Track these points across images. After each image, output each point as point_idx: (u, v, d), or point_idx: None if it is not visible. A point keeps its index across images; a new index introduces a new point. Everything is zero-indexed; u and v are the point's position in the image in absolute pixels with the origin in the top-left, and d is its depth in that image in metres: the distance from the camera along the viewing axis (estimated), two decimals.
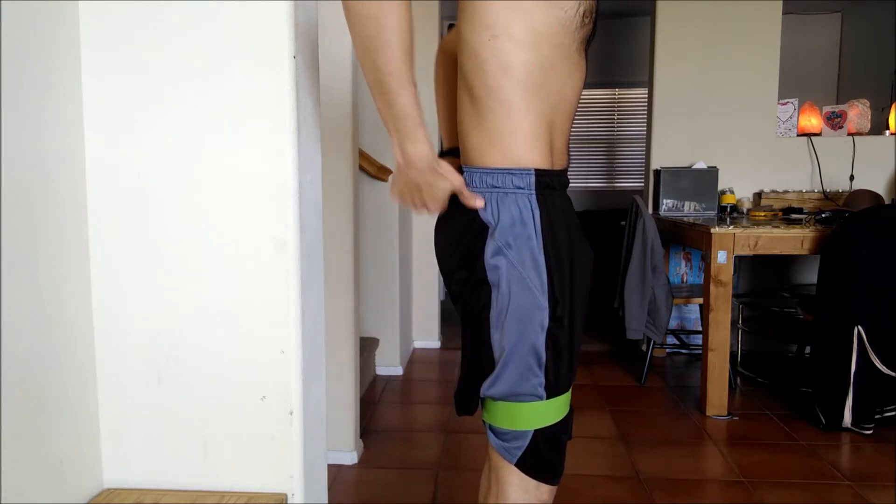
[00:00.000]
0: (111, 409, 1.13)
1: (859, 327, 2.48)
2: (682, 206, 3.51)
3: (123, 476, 1.14)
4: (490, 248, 0.97)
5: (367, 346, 3.11)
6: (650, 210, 3.66)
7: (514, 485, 1.04)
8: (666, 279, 3.05)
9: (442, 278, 1.09)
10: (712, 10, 3.59)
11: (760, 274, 3.78)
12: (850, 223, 2.51)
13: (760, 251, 2.68)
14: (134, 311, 1.11)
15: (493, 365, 1.00)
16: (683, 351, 3.73)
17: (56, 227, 1.03)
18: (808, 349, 3.23)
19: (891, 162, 3.56)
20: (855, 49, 4.97)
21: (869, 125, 3.55)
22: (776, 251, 2.68)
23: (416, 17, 3.95)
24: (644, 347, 3.52)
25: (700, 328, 3.59)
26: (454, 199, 1.04)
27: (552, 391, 1.00)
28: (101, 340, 1.12)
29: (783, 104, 3.62)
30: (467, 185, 1.01)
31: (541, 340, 0.98)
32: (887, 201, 3.34)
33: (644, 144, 4.59)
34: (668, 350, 3.72)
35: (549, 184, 1.00)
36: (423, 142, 0.92)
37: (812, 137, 3.58)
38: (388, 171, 3.16)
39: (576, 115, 1.08)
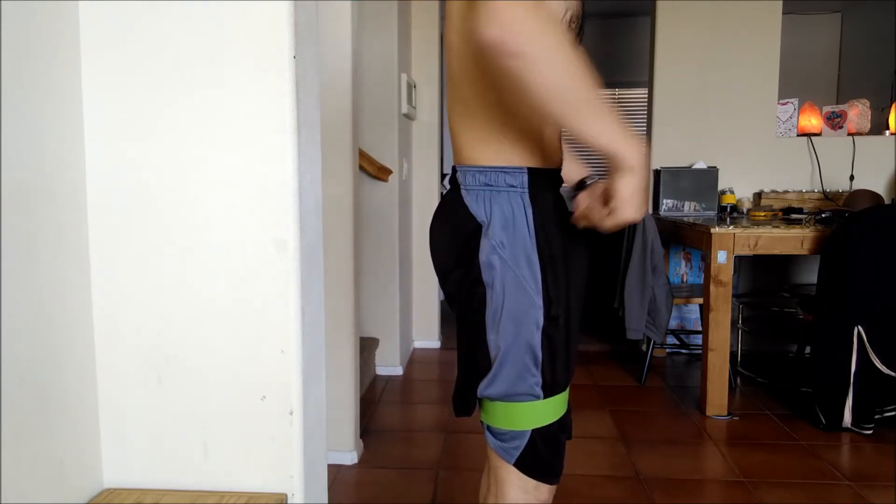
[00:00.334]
0: (111, 409, 1.13)
1: (859, 327, 2.48)
2: (682, 206, 3.51)
3: (123, 476, 1.14)
4: (485, 247, 0.97)
5: (367, 346, 3.11)
6: (650, 210, 3.66)
7: (513, 485, 1.04)
8: (666, 279, 3.05)
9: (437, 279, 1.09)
10: (712, 10, 3.59)
11: (760, 274, 3.78)
12: (850, 223, 2.51)
13: (760, 251, 2.68)
14: (134, 311, 1.11)
15: (489, 365, 1.00)
16: (683, 351, 3.73)
17: (56, 227, 1.03)
18: (808, 349, 3.23)
19: (891, 162, 3.56)
20: (855, 49, 4.97)
21: (869, 125, 3.55)
22: (776, 251, 2.68)
23: (417, 17, 3.95)
24: (644, 347, 3.52)
25: (700, 328, 3.59)
26: (450, 200, 1.04)
27: (549, 390, 1.00)
28: (101, 340, 1.12)
29: (783, 104, 3.62)
30: (461, 184, 1.01)
31: (537, 339, 0.98)
32: (887, 201, 3.34)
33: (644, 144, 4.58)
34: (668, 350, 3.72)
35: (542, 182, 1.00)
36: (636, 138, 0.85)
37: (812, 137, 3.58)
38: (388, 171, 3.16)
39: None
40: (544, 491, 1.05)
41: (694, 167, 3.54)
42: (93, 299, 1.11)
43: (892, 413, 2.58)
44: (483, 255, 0.97)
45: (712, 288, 2.68)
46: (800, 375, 3.21)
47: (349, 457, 2.29)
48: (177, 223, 1.09)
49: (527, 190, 0.98)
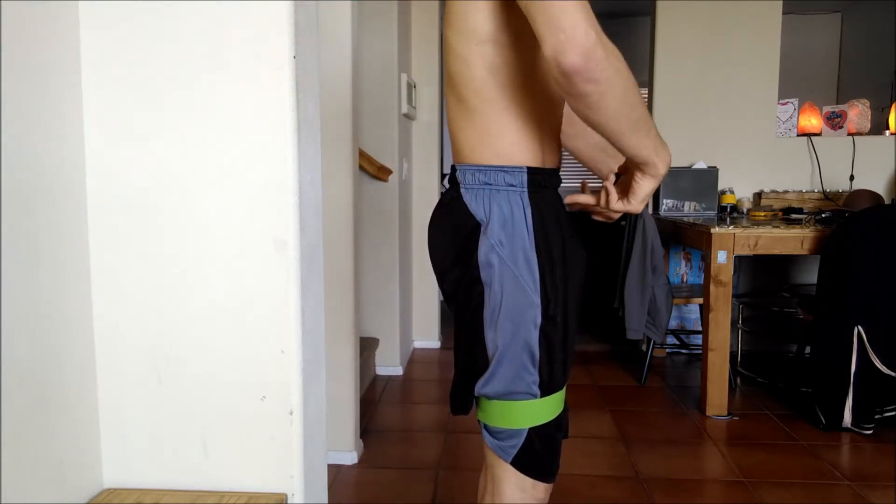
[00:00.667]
0: (111, 409, 1.13)
1: (859, 327, 2.48)
2: (682, 206, 3.51)
3: (123, 476, 1.14)
4: (483, 246, 0.97)
5: (367, 346, 3.11)
6: (650, 210, 3.66)
7: (510, 483, 1.04)
8: (666, 279, 3.05)
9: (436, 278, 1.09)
10: (712, 10, 3.59)
11: (760, 274, 3.78)
12: (850, 223, 2.51)
13: (760, 251, 2.68)
14: (134, 311, 1.11)
15: (486, 363, 1.01)
16: (683, 351, 3.73)
17: (56, 227, 1.03)
18: (808, 349, 3.23)
19: (891, 162, 3.56)
20: (855, 49, 4.97)
21: (869, 125, 3.55)
22: (776, 251, 2.68)
23: (417, 17, 3.95)
24: (644, 347, 3.52)
25: (700, 328, 3.59)
26: (449, 199, 1.04)
27: (546, 389, 1.01)
28: (101, 340, 1.12)
29: (783, 104, 3.62)
30: (460, 182, 1.01)
31: (534, 338, 0.98)
32: (887, 201, 3.34)
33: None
34: (668, 350, 3.72)
35: (541, 182, 1.00)
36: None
37: (812, 137, 3.58)
38: (388, 171, 3.16)
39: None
40: (541, 489, 1.05)
41: (694, 167, 3.54)
42: (93, 299, 1.11)
43: (892, 413, 2.58)
44: (482, 254, 0.97)
45: (712, 288, 2.68)
46: (800, 375, 3.21)
47: (349, 457, 2.29)
48: (177, 223, 1.09)
49: (526, 189, 0.98)
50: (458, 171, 1.02)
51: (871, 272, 2.45)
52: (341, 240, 2.28)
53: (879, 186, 3.55)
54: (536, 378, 0.99)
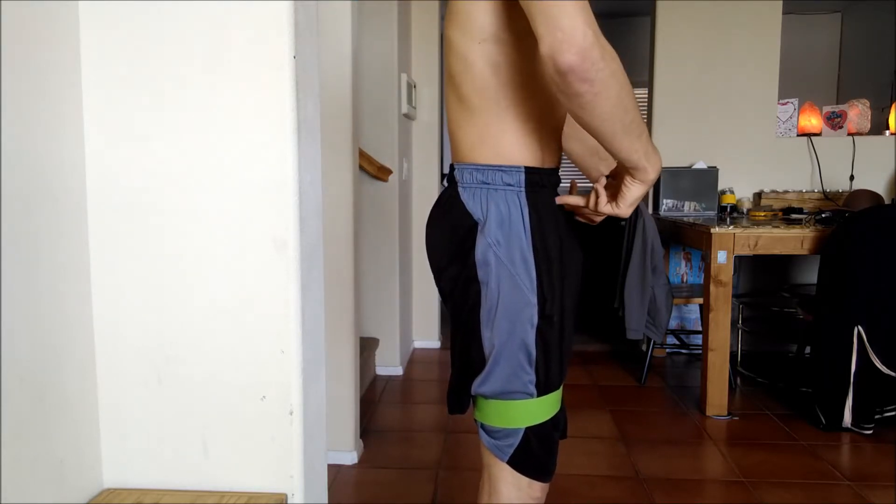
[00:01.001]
0: (111, 409, 1.13)
1: (859, 327, 2.48)
2: (682, 206, 3.51)
3: (123, 476, 1.14)
4: (480, 245, 0.98)
5: (367, 346, 3.11)
6: (650, 210, 3.66)
7: (507, 483, 1.04)
8: (666, 279, 3.05)
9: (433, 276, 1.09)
10: (712, 10, 3.59)
11: (760, 274, 3.78)
12: (850, 223, 2.51)
13: (760, 251, 2.68)
14: (134, 311, 1.11)
15: (483, 362, 1.01)
16: (683, 351, 3.73)
17: (56, 227, 1.03)
18: (808, 349, 3.23)
19: (891, 162, 3.56)
20: (855, 49, 4.97)
21: (869, 125, 3.55)
22: (776, 251, 2.68)
23: (417, 17, 3.94)
24: (644, 347, 3.52)
25: (700, 328, 3.59)
26: (447, 197, 1.04)
27: (543, 389, 1.01)
28: (101, 340, 1.12)
29: (783, 104, 3.62)
30: (458, 181, 1.02)
31: (531, 338, 0.98)
32: (887, 201, 3.34)
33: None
34: (668, 350, 3.72)
35: (539, 182, 1.00)
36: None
37: (812, 137, 3.58)
38: (388, 171, 3.16)
39: None
40: (537, 489, 1.05)
41: (694, 167, 3.54)
42: (93, 299, 1.11)
43: (892, 413, 2.58)
44: (479, 253, 0.98)
45: (712, 288, 2.68)
46: (800, 375, 3.21)
47: (349, 457, 2.29)
48: (176, 223, 1.09)
49: (524, 189, 0.98)
50: (455, 170, 1.02)
51: (871, 272, 2.45)
52: (341, 240, 2.28)
53: (879, 186, 3.55)
54: (533, 377, 0.99)
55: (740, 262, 3.74)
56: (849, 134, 3.55)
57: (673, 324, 3.79)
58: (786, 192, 3.55)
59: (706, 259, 2.72)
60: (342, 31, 2.19)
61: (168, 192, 1.09)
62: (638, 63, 5.15)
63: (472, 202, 0.99)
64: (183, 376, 1.12)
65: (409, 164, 3.59)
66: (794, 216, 3.13)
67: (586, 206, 1.04)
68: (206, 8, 1.05)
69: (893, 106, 3.66)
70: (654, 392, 3.09)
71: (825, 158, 3.57)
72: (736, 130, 3.64)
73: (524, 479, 1.04)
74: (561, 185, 1.07)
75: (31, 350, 0.96)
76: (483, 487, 1.10)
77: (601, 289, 3.30)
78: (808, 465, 2.27)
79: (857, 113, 3.54)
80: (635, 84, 5.27)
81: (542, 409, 1.02)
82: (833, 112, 3.58)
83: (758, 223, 2.81)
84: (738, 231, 2.66)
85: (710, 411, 2.73)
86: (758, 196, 3.60)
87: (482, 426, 1.06)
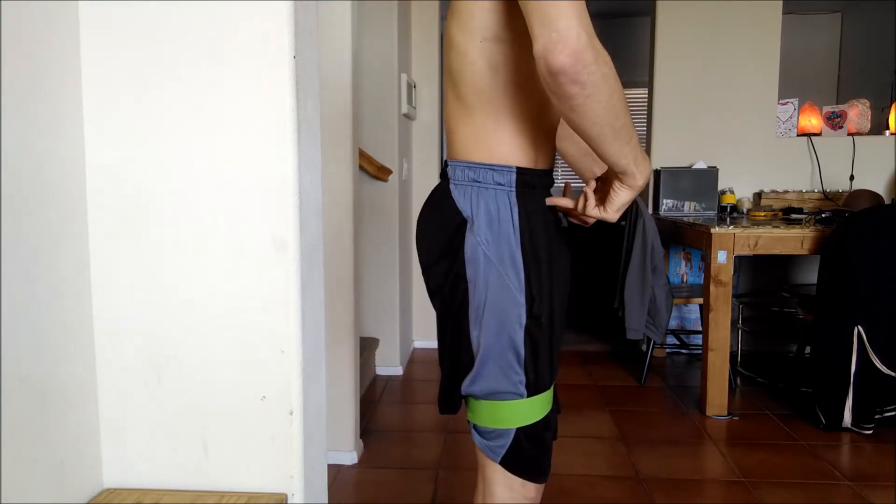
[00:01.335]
0: (111, 409, 1.13)
1: (859, 327, 2.48)
2: (682, 206, 3.51)
3: (123, 476, 1.14)
4: (469, 242, 0.98)
5: (367, 346, 3.11)
6: (650, 210, 3.66)
7: (500, 483, 1.04)
8: (666, 279, 3.05)
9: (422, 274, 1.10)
10: (712, 10, 3.59)
11: (760, 274, 3.78)
12: (850, 223, 2.51)
13: (760, 251, 2.68)
14: (134, 312, 1.11)
15: (472, 362, 1.01)
16: (683, 351, 3.73)
17: (56, 227, 1.03)
18: (808, 349, 3.23)
19: (891, 162, 3.56)
20: (855, 49, 4.97)
21: (869, 125, 3.55)
22: (776, 251, 2.68)
23: (417, 17, 3.94)
24: (644, 347, 3.53)
25: (700, 328, 3.59)
26: (438, 193, 1.05)
27: (533, 389, 1.01)
28: (101, 340, 1.12)
29: (783, 104, 3.62)
30: (450, 178, 1.02)
31: (520, 338, 0.98)
32: (887, 201, 3.34)
33: (644, 144, 4.59)
34: (668, 350, 3.72)
35: (530, 182, 1.00)
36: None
37: (812, 137, 3.58)
38: (388, 171, 3.16)
39: None
40: (531, 489, 1.05)
41: (694, 167, 3.54)
42: (93, 299, 1.11)
43: (892, 413, 2.58)
44: (467, 251, 0.98)
45: (712, 288, 2.68)
46: (800, 375, 3.21)
47: (349, 457, 2.29)
48: (176, 223, 1.09)
49: (514, 189, 0.98)
50: (449, 167, 1.03)
51: (871, 272, 2.45)
52: (341, 240, 2.28)
53: (879, 186, 3.55)
54: (522, 378, 1.00)
55: (740, 262, 3.74)
56: (849, 134, 3.55)
57: (673, 324, 3.79)
58: (786, 192, 3.55)
59: (706, 259, 2.72)
60: (342, 31, 2.19)
61: (168, 192, 1.09)
62: (638, 63, 5.16)
63: (462, 199, 1.00)
64: (183, 376, 1.12)
65: (409, 164, 3.59)
66: (794, 216, 3.13)
67: (575, 208, 1.04)
68: (205, 8, 1.05)
69: (893, 106, 3.65)
70: (654, 392, 3.09)
71: (825, 158, 3.57)
72: (736, 130, 3.64)
73: (517, 480, 1.04)
74: (555, 186, 1.07)
75: (31, 350, 0.96)
76: (478, 488, 1.10)
77: (601, 289, 3.29)
78: (808, 465, 2.27)
79: (857, 113, 3.54)
80: (635, 84, 5.28)
81: (533, 409, 1.02)
82: (833, 112, 3.58)
83: (758, 223, 2.81)
84: (738, 231, 2.66)
85: (710, 411, 2.73)
86: (758, 196, 3.60)
87: (474, 427, 1.06)
